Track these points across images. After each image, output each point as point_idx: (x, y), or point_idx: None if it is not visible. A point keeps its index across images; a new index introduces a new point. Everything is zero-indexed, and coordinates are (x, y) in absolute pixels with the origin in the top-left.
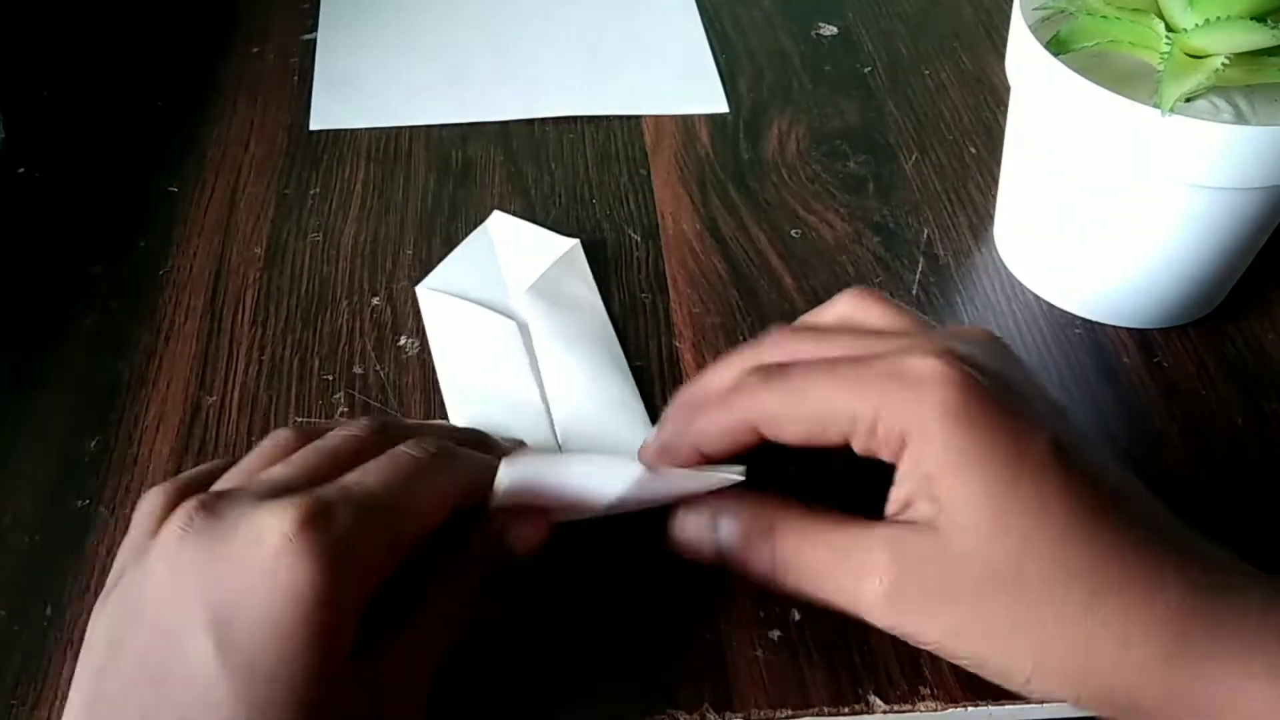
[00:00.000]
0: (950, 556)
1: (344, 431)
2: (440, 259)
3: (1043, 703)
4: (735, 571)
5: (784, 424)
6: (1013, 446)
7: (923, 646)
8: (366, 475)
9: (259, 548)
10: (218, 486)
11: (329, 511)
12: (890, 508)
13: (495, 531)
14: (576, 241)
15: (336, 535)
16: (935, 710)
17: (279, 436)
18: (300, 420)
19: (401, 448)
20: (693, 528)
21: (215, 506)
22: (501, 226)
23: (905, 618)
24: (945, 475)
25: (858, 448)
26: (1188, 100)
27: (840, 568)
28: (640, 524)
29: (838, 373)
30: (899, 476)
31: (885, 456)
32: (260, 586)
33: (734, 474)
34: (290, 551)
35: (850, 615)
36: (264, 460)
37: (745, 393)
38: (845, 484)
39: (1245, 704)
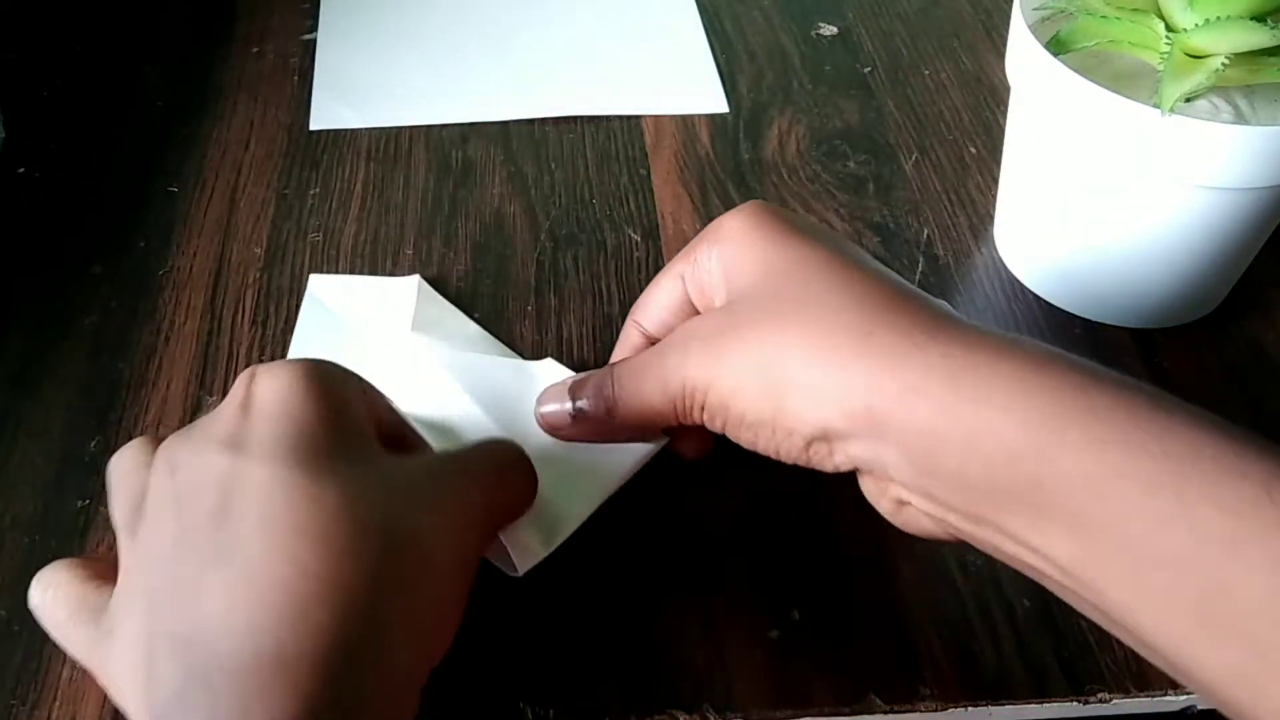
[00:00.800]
0: (726, 312)
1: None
2: (440, 259)
3: (1043, 702)
4: (591, 435)
5: (647, 307)
6: (789, 232)
7: (705, 407)
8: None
9: (233, 397)
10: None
11: (254, 378)
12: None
13: None
14: (418, 277)
15: (292, 361)
16: (935, 710)
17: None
18: None
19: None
20: (553, 400)
21: (186, 428)
22: (327, 288)
23: (689, 369)
24: (736, 261)
25: (695, 298)
26: (1188, 100)
27: (657, 364)
28: (640, 524)
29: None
30: (713, 286)
31: (708, 292)
32: (242, 405)
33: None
34: (258, 378)
35: (653, 408)
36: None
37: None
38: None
39: (995, 436)
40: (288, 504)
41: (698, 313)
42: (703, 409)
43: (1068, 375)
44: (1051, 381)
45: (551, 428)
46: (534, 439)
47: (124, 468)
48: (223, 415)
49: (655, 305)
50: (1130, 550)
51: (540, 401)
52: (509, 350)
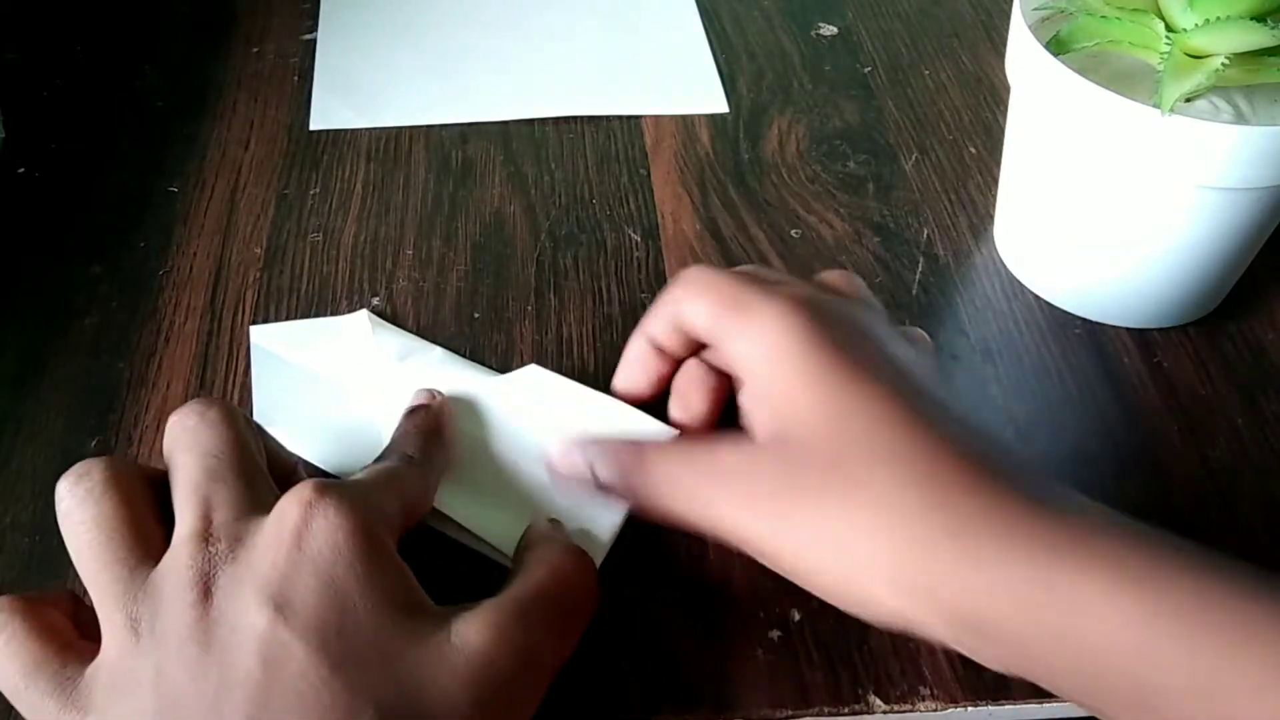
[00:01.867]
0: (787, 460)
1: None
2: (440, 259)
3: (1043, 702)
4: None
5: (662, 319)
6: (844, 363)
7: (767, 559)
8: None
9: (283, 528)
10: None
11: (328, 483)
12: (742, 422)
13: None
14: (365, 311)
15: (346, 490)
16: (935, 710)
17: None
18: None
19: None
20: (570, 461)
21: (226, 529)
22: (272, 337)
23: (746, 521)
24: (779, 387)
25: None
26: (1188, 100)
27: (688, 488)
28: (640, 524)
29: (717, 277)
30: (743, 398)
31: (737, 372)
32: (298, 554)
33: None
34: (315, 509)
35: (707, 532)
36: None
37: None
38: None
39: (1105, 618)
40: (325, 711)
41: (712, 369)
42: (761, 557)
43: (1163, 563)
44: (1145, 575)
45: (568, 481)
46: (540, 456)
47: (103, 517)
48: (268, 553)
49: (660, 329)
50: None
51: (557, 458)
52: (481, 367)
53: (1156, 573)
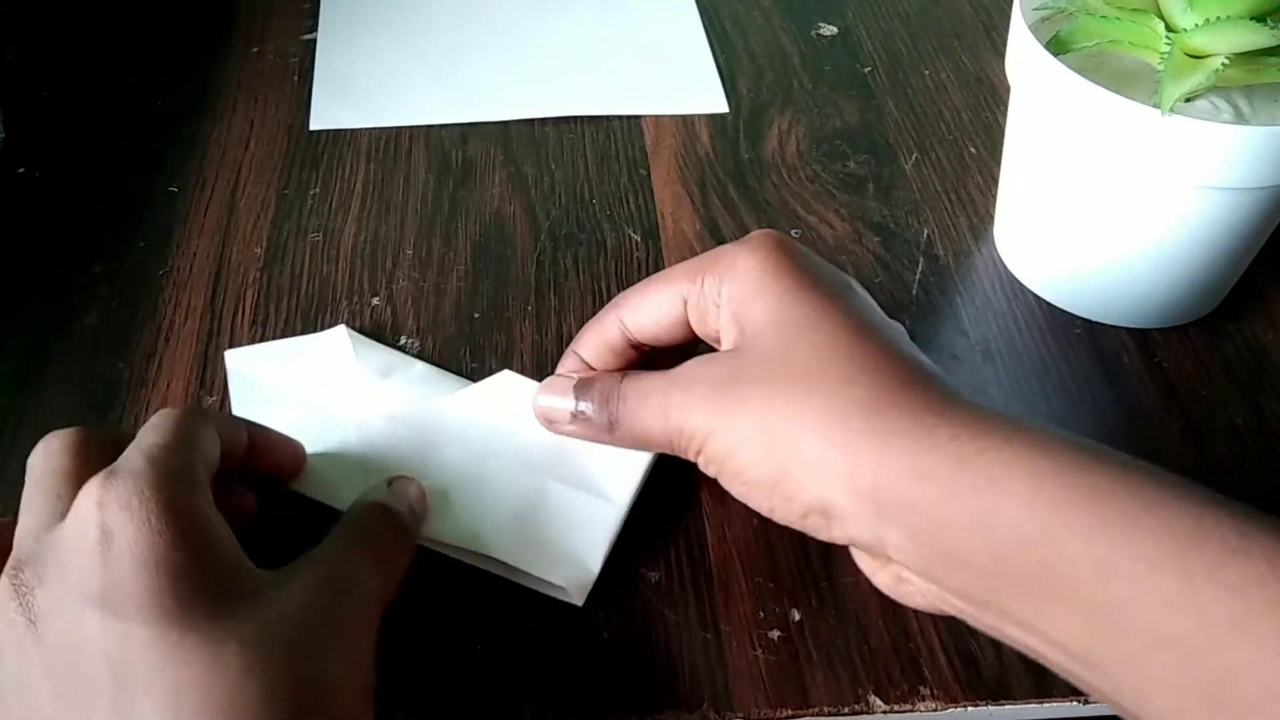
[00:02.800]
0: (736, 359)
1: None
2: (440, 259)
3: (1043, 701)
4: (586, 437)
5: (638, 310)
6: (802, 279)
7: (700, 453)
8: (131, 446)
9: (85, 533)
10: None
11: (114, 470)
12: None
13: None
14: (343, 327)
15: (133, 471)
16: (935, 710)
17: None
18: None
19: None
20: (555, 391)
21: (28, 557)
22: (249, 360)
23: (691, 413)
24: (746, 303)
25: (694, 322)
26: (1188, 100)
27: (660, 396)
28: (639, 523)
29: (676, 266)
30: (720, 322)
31: (710, 321)
32: (109, 553)
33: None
34: (110, 505)
35: (676, 446)
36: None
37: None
38: None
39: (1018, 497)
40: (188, 672)
41: (692, 334)
42: (699, 453)
43: (1073, 457)
44: (1057, 464)
45: (548, 421)
46: (528, 462)
47: None
48: (77, 559)
49: (647, 313)
50: (1138, 633)
51: (542, 391)
52: (463, 380)
53: (1067, 462)
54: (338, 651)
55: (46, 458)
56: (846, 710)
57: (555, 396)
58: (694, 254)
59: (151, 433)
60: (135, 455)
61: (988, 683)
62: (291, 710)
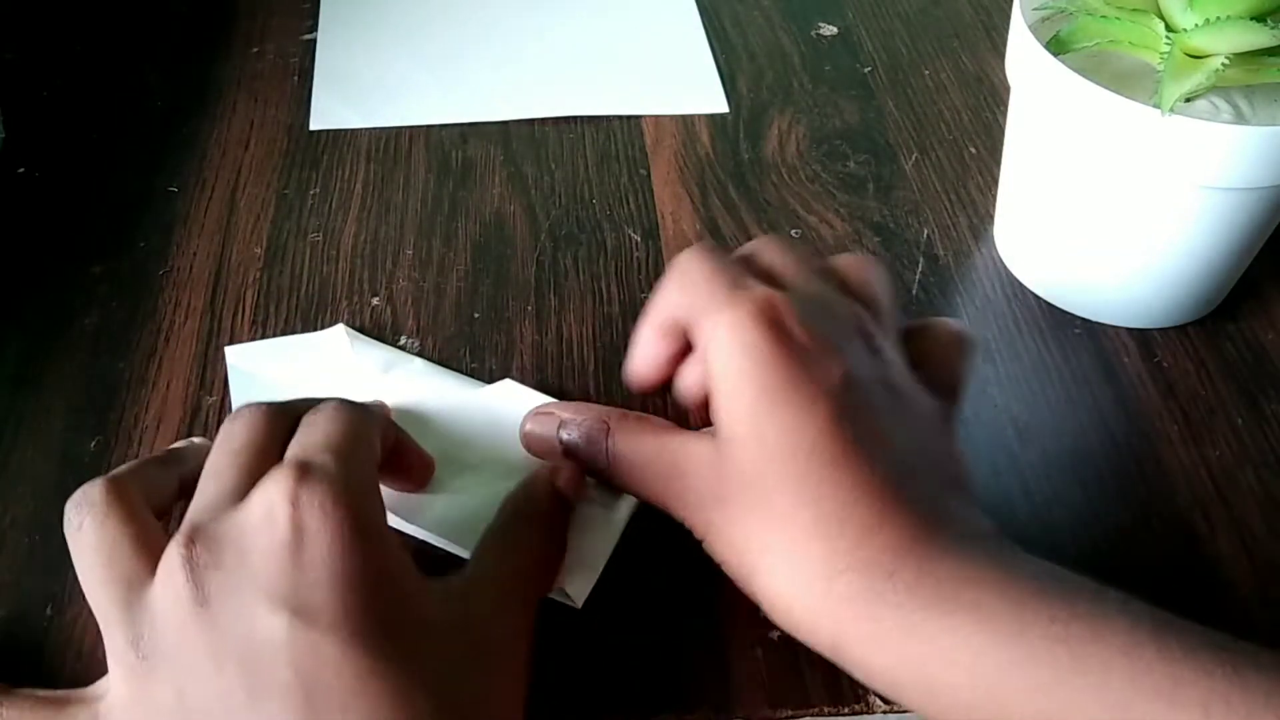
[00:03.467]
0: (721, 465)
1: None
2: (440, 259)
3: None
4: (577, 465)
5: (660, 311)
6: (783, 382)
7: (703, 544)
8: (315, 433)
9: (275, 527)
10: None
11: (307, 465)
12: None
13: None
14: (342, 326)
15: (328, 475)
16: None
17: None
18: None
19: (310, 414)
20: (541, 427)
21: (204, 532)
22: (249, 356)
23: (692, 514)
24: (724, 395)
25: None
26: (1188, 100)
27: (657, 465)
28: (638, 523)
29: (684, 285)
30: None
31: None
32: (300, 558)
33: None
34: (302, 507)
35: (649, 501)
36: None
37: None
38: None
39: (956, 664)
40: (380, 703)
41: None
42: (684, 521)
43: (1017, 614)
44: (997, 630)
45: (537, 451)
46: (514, 470)
47: (104, 539)
48: (263, 553)
49: (645, 342)
50: None
51: (527, 421)
52: (462, 377)
53: (1011, 620)
54: (510, 670)
55: (248, 428)
56: (847, 710)
57: (538, 428)
58: None
59: (331, 425)
60: (325, 455)
61: None
62: None
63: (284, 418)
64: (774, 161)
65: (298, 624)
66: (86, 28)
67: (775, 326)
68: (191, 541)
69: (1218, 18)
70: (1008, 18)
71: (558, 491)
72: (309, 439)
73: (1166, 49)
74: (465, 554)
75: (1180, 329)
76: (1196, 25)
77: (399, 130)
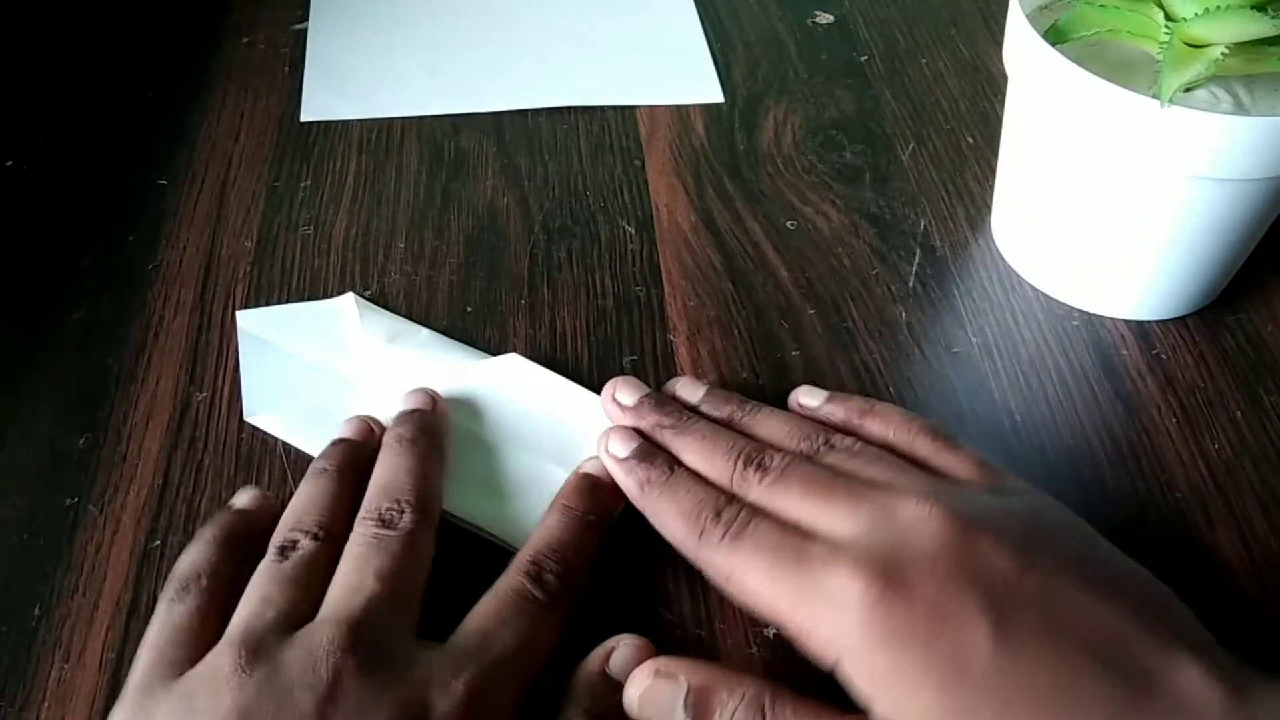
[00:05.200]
0: None
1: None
2: (432, 251)
3: None
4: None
5: (741, 592)
6: (945, 654)
7: None
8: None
9: (317, 669)
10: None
11: (359, 627)
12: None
13: None
14: (351, 295)
15: (374, 638)
16: None
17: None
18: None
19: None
20: (660, 697)
21: (256, 643)
22: (260, 322)
23: None
24: (881, 694)
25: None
26: (1187, 90)
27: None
28: (638, 522)
29: (775, 570)
30: (851, 689)
31: (823, 665)
32: (324, 701)
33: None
34: (345, 662)
35: None
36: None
37: (704, 542)
38: None
39: None
40: None
41: None
42: None
43: None
44: None
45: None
46: (527, 442)
47: (185, 626)
48: (300, 691)
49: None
50: None
51: (635, 683)
52: (467, 348)
53: None
54: None
55: (318, 533)
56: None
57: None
58: (688, 247)
59: (388, 562)
60: (376, 609)
61: None
62: None
63: (340, 530)
64: (770, 152)
65: None
66: (74, 19)
67: (891, 582)
68: (245, 648)
69: (1217, 7)
70: (1005, 6)
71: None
72: (359, 587)
73: (1166, 38)
74: (486, 530)
75: (1179, 321)
76: (1196, 14)
77: (391, 121)
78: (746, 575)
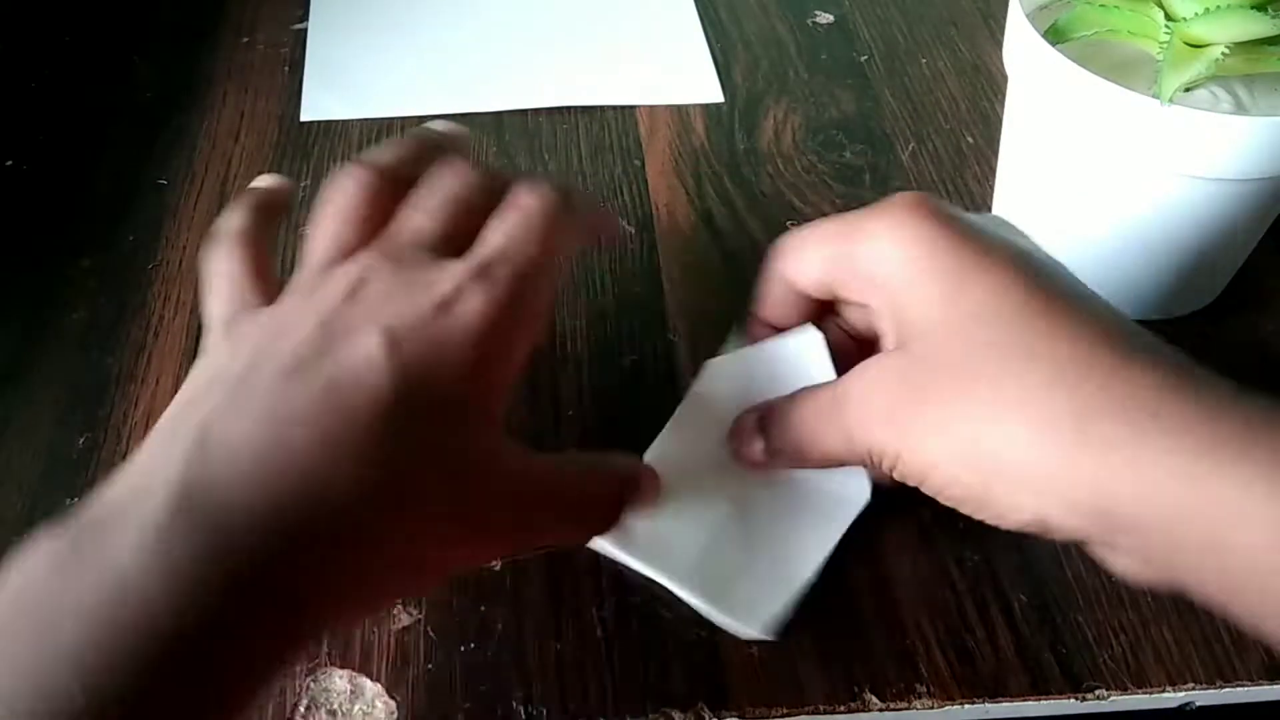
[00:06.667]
0: (910, 364)
1: (452, 178)
2: None
3: (1040, 699)
4: (789, 467)
5: (791, 263)
6: (967, 258)
7: (894, 470)
8: (514, 238)
9: (434, 289)
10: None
11: (490, 268)
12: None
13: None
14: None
15: (499, 285)
16: (931, 708)
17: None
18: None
19: (525, 198)
20: (745, 435)
21: (397, 253)
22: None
23: (874, 433)
24: (900, 292)
25: (836, 290)
26: (1187, 90)
27: (837, 417)
28: None
29: (825, 221)
30: (873, 319)
31: (849, 293)
32: (431, 318)
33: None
34: (462, 293)
35: (839, 458)
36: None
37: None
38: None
39: (1256, 530)
40: (371, 460)
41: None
42: (893, 470)
43: None
44: None
45: (750, 464)
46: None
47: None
48: (414, 295)
49: (800, 268)
50: None
51: (732, 437)
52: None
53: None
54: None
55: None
56: (842, 708)
57: (745, 441)
58: (689, 246)
59: (523, 222)
60: (506, 260)
61: (984, 680)
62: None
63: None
64: (770, 152)
65: (386, 353)
66: (75, 18)
67: (937, 209)
68: (385, 255)
69: (1217, 6)
70: (1005, 5)
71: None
72: (502, 236)
73: (1166, 38)
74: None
75: (1179, 320)
76: (1196, 14)
77: (391, 121)
78: (790, 264)
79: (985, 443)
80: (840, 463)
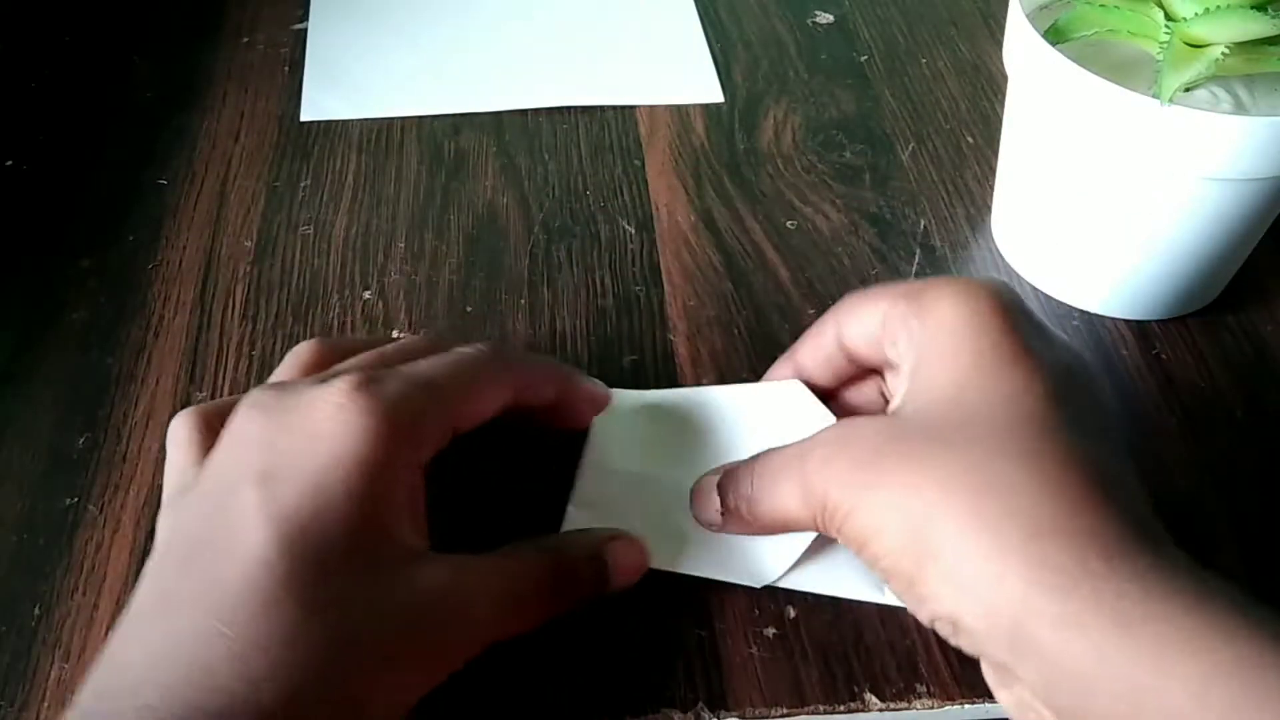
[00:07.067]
0: (890, 427)
1: (403, 341)
2: (432, 251)
3: None
4: (741, 531)
5: (850, 319)
6: (1006, 350)
7: (840, 530)
8: (421, 363)
9: (311, 412)
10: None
11: (379, 380)
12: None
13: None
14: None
15: (385, 400)
16: (931, 708)
17: (312, 347)
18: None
19: (458, 348)
20: (703, 497)
21: (280, 388)
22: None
23: (831, 487)
24: (929, 360)
25: (885, 346)
26: (1187, 90)
27: (797, 469)
28: None
29: (897, 284)
30: (902, 377)
31: (891, 354)
32: (307, 446)
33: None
34: (339, 411)
35: (791, 515)
36: (301, 368)
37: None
38: None
39: (1162, 701)
40: (280, 617)
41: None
42: (839, 531)
43: (1258, 645)
44: (1239, 655)
45: (707, 524)
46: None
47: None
48: (329, 388)
49: (857, 325)
50: None
51: (693, 496)
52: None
53: (1250, 652)
54: (410, 676)
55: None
56: (842, 708)
57: (702, 501)
58: (689, 246)
59: (438, 360)
60: (400, 376)
61: (984, 680)
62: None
63: (441, 343)
64: (770, 152)
65: (261, 496)
66: (75, 18)
67: (999, 297)
68: (269, 388)
69: (1217, 6)
70: (1005, 5)
71: (602, 566)
72: (412, 365)
73: (1166, 38)
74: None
75: (1179, 320)
76: (1196, 14)
77: (391, 121)
78: (851, 316)
79: (928, 524)
80: (790, 522)
